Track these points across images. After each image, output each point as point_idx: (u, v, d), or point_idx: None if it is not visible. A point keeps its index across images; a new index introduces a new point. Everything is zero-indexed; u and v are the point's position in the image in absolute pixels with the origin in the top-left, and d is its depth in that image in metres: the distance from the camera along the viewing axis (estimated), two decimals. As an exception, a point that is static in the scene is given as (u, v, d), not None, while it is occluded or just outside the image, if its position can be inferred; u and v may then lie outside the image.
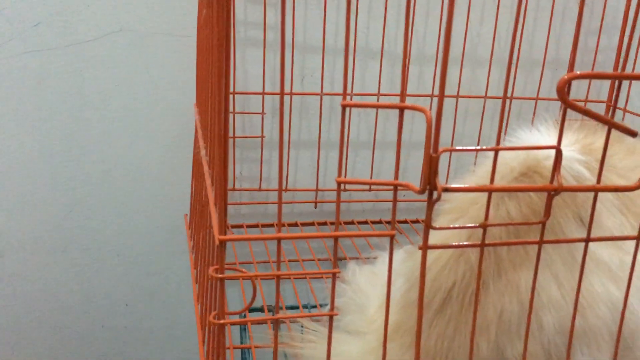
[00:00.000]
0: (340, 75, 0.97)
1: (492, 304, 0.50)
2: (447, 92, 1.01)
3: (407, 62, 0.43)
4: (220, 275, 0.47)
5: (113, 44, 0.89)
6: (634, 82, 1.00)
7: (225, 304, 0.51)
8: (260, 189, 0.99)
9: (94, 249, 0.98)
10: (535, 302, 0.48)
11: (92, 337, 1.03)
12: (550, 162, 0.44)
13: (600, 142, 0.49)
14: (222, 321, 0.48)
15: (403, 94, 0.49)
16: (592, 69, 1.03)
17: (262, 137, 0.97)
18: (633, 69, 1.00)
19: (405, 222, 1.04)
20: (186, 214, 0.98)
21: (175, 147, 0.96)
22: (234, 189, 0.99)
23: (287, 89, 0.94)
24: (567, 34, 1.03)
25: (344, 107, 0.47)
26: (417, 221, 1.04)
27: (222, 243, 0.47)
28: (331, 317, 0.52)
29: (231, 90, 0.93)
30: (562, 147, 0.41)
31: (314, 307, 0.88)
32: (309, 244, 0.99)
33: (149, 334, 1.05)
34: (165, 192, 0.98)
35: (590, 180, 0.52)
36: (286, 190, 1.00)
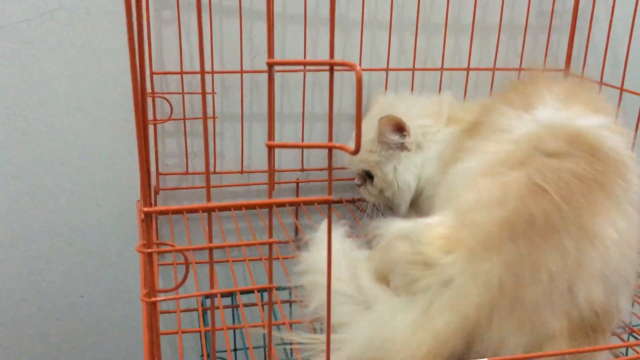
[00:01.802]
0: (293, 49, 0.94)
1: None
2: (403, 64, 0.99)
3: (332, 25, 0.41)
4: (147, 250, 0.45)
5: (51, 24, 0.85)
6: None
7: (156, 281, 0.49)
8: (187, 172, 0.95)
9: (44, 241, 0.94)
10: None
11: (47, 331, 0.99)
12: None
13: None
14: (152, 299, 0.46)
15: (332, 51, 0.46)
16: (549, 34, 1.01)
17: (214, 117, 0.94)
18: (589, 33, 0.99)
19: (340, 201, 1.00)
20: (138, 201, 0.95)
21: (126, 132, 0.92)
22: (163, 173, 0.96)
23: (237, 67, 0.91)
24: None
25: (269, 65, 0.44)
26: (352, 200, 1.01)
27: (148, 215, 0.45)
28: (270, 290, 0.49)
29: (178, 70, 0.90)
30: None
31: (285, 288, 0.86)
32: (251, 227, 0.96)
33: (107, 325, 1.02)
34: (117, 179, 0.94)
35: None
36: (214, 172, 0.96)
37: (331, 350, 0.56)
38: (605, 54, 0.96)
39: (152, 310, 0.46)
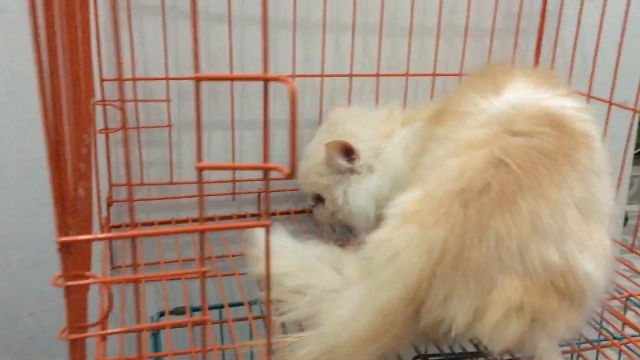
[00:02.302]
0: (254, 54, 0.90)
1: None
2: (368, 70, 0.96)
3: (266, 32, 0.38)
4: (63, 284, 0.41)
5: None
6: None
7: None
8: (141, 184, 0.91)
9: (-10, 256, 0.90)
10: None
11: (-4, 352, 0.94)
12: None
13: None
14: (71, 336, 0.42)
15: (265, 64, 0.43)
16: (516, 36, 0.98)
17: (169, 126, 0.90)
18: (557, 35, 0.97)
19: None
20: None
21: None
22: (113, 184, 0.91)
23: (191, 73, 0.87)
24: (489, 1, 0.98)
25: (196, 80, 0.41)
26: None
27: (64, 245, 0.41)
28: (204, 322, 0.46)
29: (127, 75, 0.85)
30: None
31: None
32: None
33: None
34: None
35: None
36: (171, 183, 0.92)
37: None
38: (573, 57, 0.93)
39: (76, 347, 0.42)
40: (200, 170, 0.41)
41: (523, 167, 0.57)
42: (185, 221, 0.93)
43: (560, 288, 0.56)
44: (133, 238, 0.40)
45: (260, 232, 0.71)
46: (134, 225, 0.43)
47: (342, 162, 0.80)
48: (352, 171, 0.81)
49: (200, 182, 0.40)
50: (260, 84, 0.38)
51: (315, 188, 0.85)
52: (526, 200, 0.56)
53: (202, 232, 0.43)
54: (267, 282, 0.45)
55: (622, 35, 0.85)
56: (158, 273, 0.39)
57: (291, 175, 0.40)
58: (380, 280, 0.58)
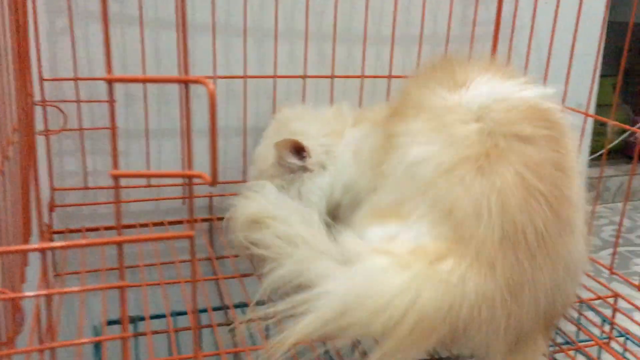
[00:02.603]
0: (203, 56, 0.88)
1: None
2: (322, 72, 0.94)
3: (184, 34, 0.36)
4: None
5: None
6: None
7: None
8: (86, 187, 0.86)
9: None
10: None
11: None
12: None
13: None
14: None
15: (186, 66, 0.40)
16: (472, 42, 0.98)
17: (113, 128, 0.86)
18: (511, 41, 0.96)
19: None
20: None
21: None
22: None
23: (139, 72, 0.84)
24: (444, 7, 0.97)
25: (108, 81, 0.39)
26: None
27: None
28: (124, 339, 0.43)
29: (71, 75, 0.82)
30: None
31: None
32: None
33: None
34: None
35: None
36: (118, 187, 0.89)
37: (310, 303, 0.55)
38: (527, 62, 0.93)
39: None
40: (115, 177, 0.38)
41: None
42: (133, 226, 0.90)
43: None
44: (41, 251, 0.37)
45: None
46: (50, 234, 0.40)
47: (293, 160, 0.78)
48: (304, 169, 0.79)
49: (116, 187, 0.38)
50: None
51: None
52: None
53: (119, 244, 0.41)
54: (193, 297, 0.43)
55: (574, 40, 0.85)
56: (72, 288, 0.36)
57: (214, 182, 0.38)
58: (427, 293, 0.55)
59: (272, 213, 0.69)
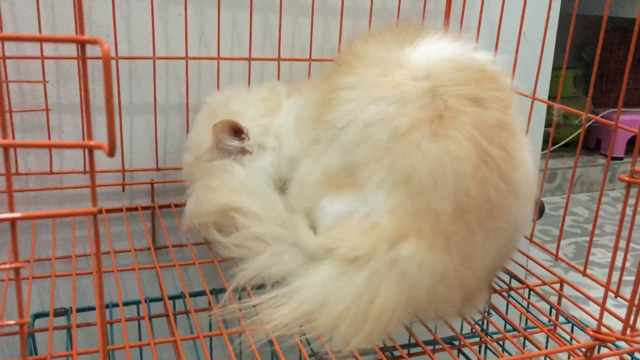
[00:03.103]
0: (141, 36, 0.84)
1: None
2: (269, 54, 0.91)
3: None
4: None
5: None
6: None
7: None
8: (17, 173, 0.83)
9: None
10: None
11: None
12: None
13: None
14: None
15: (81, 26, 0.37)
16: (423, 18, 0.95)
17: (47, 110, 0.82)
18: (462, 17, 0.94)
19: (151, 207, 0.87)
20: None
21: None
22: (19, 173, 0.83)
23: (72, 52, 0.80)
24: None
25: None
26: (168, 205, 0.90)
27: None
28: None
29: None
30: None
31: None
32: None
33: None
34: None
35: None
36: (51, 172, 0.85)
37: (281, 302, 0.57)
38: (477, 40, 0.91)
39: None
40: (4, 148, 0.35)
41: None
42: (71, 214, 0.85)
43: None
44: None
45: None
46: None
47: (232, 142, 0.75)
48: (244, 151, 0.76)
49: (7, 161, 0.34)
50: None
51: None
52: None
53: (12, 222, 0.37)
54: (100, 289, 0.39)
55: (522, 22, 0.84)
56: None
57: (111, 153, 0.35)
58: (385, 286, 0.56)
59: (241, 207, 0.67)
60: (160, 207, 0.89)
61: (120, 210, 0.88)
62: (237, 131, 0.74)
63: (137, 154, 0.88)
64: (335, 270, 0.58)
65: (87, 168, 0.86)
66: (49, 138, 0.83)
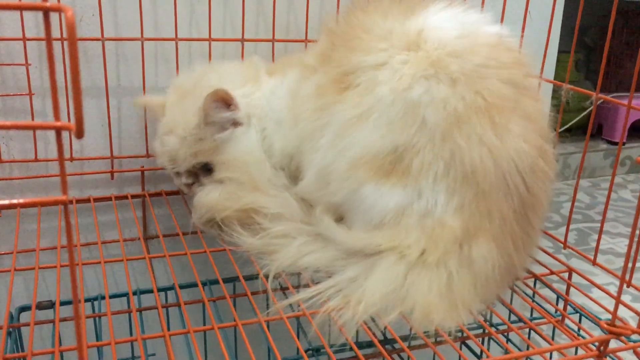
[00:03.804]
0: (126, 16, 0.80)
1: None
2: (263, 35, 0.87)
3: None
4: None
5: None
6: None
7: None
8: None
9: None
10: None
11: None
12: None
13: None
14: None
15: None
16: None
17: (30, 94, 0.78)
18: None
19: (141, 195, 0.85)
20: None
21: None
22: None
23: (57, 34, 0.76)
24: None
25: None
26: (159, 193, 0.86)
27: None
28: None
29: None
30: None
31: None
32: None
33: None
34: None
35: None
36: (36, 160, 0.81)
37: (347, 304, 0.55)
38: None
39: None
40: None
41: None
42: (39, 204, 0.81)
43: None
44: None
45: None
46: None
47: (225, 114, 0.70)
48: (236, 123, 0.72)
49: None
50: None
51: (201, 157, 0.72)
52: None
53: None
54: (72, 278, 0.36)
55: (527, 5, 0.80)
56: None
57: (79, 134, 0.31)
58: (458, 278, 0.57)
59: (264, 208, 0.65)
60: (151, 195, 0.86)
61: (109, 198, 0.84)
62: (227, 102, 0.70)
63: (126, 140, 0.85)
64: (406, 270, 0.57)
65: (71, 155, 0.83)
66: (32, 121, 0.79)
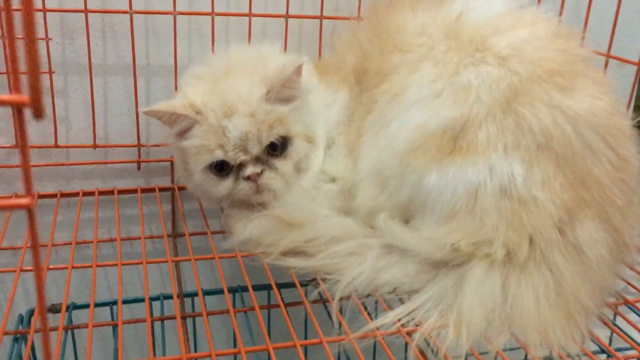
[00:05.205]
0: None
1: None
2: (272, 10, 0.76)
3: None
4: None
5: None
6: None
7: None
8: (16, 146, 0.72)
9: None
10: None
11: None
12: None
13: None
14: None
15: None
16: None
17: (51, 72, 0.70)
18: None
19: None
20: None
21: None
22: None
23: (80, 5, 0.68)
24: None
25: None
26: (166, 189, 0.77)
27: None
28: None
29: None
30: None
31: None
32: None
33: None
34: None
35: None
36: (56, 146, 0.73)
37: (449, 324, 0.48)
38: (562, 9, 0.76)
39: None
40: None
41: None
42: (76, 194, 0.74)
43: None
44: None
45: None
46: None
47: (301, 84, 0.61)
48: (304, 93, 0.62)
49: None
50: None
51: (279, 128, 0.60)
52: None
53: None
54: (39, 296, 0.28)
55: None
56: None
57: (37, 113, 0.23)
58: (569, 275, 0.49)
59: (311, 240, 0.57)
60: (181, 188, 0.77)
61: (134, 191, 0.76)
62: (299, 76, 0.61)
63: (154, 127, 0.76)
64: (502, 279, 0.50)
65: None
66: (53, 103, 0.71)
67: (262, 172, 0.61)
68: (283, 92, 0.60)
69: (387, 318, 0.50)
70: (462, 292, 0.50)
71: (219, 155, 0.59)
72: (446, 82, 0.54)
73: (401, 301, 0.53)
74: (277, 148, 0.61)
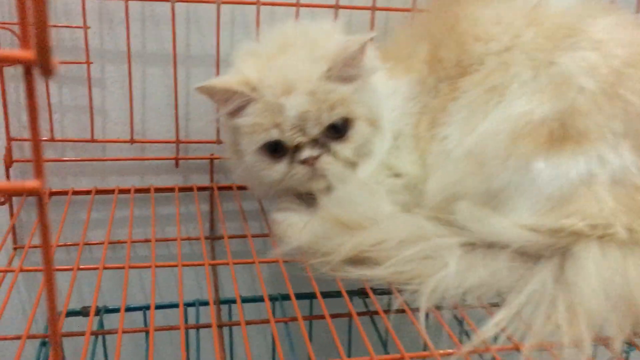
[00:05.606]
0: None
1: None
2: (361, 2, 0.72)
3: None
4: None
5: None
6: None
7: None
8: (52, 139, 0.69)
9: None
10: None
11: None
12: None
13: None
14: None
15: None
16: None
17: (88, 62, 0.67)
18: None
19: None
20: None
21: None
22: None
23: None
24: None
25: None
26: (229, 187, 0.73)
27: None
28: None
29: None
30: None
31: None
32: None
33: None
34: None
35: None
36: (92, 140, 0.70)
37: (561, 322, 0.45)
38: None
39: None
40: None
41: None
42: (112, 191, 0.71)
43: None
44: None
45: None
46: None
47: (365, 61, 0.57)
48: (369, 72, 0.58)
49: None
50: None
51: (340, 109, 0.55)
52: None
53: None
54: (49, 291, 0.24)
55: None
56: None
57: (46, 70, 0.18)
58: None
59: (378, 244, 0.52)
60: (220, 188, 0.73)
61: (172, 189, 0.72)
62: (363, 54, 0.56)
63: (194, 122, 0.73)
64: (622, 255, 0.49)
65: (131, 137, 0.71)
66: (90, 95, 0.68)
67: (319, 156, 0.56)
68: (346, 70, 0.55)
69: (490, 327, 0.46)
70: (571, 274, 0.48)
71: (274, 135, 0.55)
72: (544, 75, 0.53)
73: (491, 306, 0.49)
74: (339, 130, 0.56)
